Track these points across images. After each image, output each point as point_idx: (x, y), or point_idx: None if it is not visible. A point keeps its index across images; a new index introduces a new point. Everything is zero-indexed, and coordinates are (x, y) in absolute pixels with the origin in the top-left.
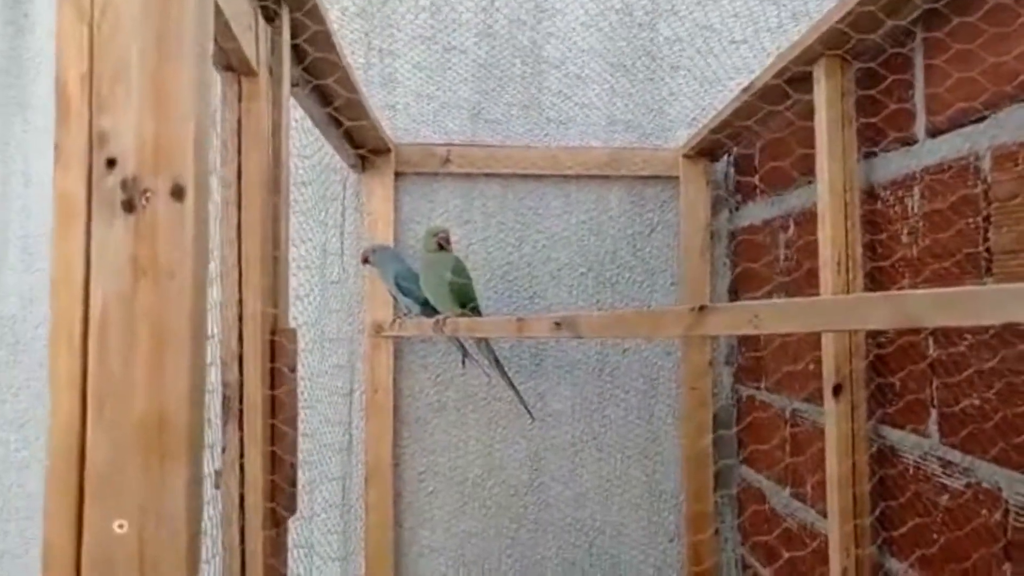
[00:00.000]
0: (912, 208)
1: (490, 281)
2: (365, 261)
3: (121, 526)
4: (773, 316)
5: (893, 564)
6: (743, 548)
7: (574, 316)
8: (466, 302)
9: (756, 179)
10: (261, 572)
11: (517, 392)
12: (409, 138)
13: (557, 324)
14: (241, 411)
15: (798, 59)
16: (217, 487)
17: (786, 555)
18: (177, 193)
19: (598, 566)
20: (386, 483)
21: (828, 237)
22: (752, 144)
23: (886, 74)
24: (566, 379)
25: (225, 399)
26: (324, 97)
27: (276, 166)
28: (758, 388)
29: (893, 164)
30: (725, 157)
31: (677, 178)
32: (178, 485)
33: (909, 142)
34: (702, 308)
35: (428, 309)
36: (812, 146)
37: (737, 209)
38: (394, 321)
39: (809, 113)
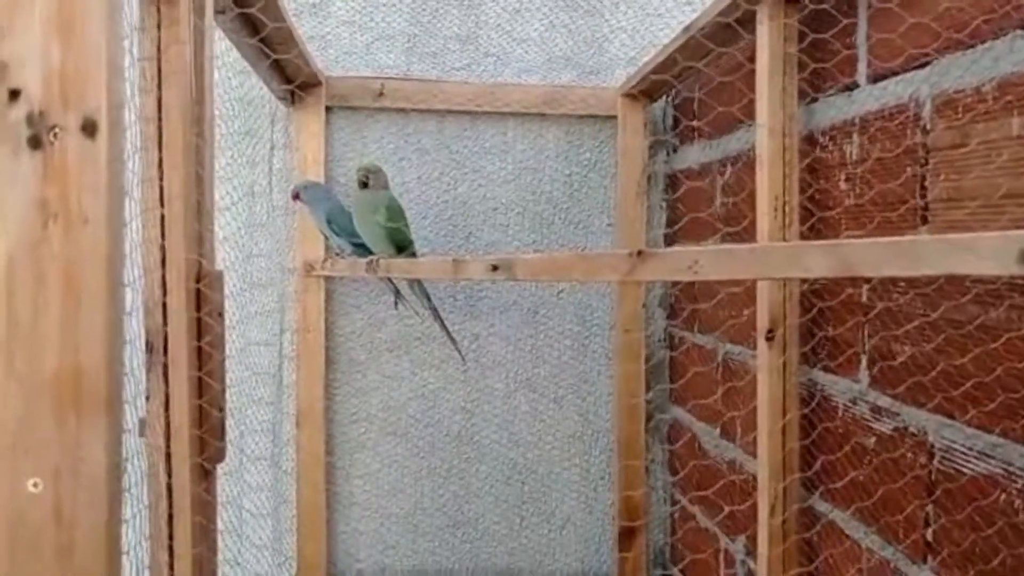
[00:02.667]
0: (851, 155)
1: (424, 219)
2: (296, 198)
3: (36, 484)
4: (712, 263)
5: (819, 503)
6: (673, 488)
7: (510, 259)
8: (402, 244)
9: (695, 122)
10: (189, 528)
11: (450, 335)
12: (341, 71)
13: (494, 267)
14: (166, 359)
15: (738, 3)
16: (142, 436)
17: (714, 491)
18: (89, 129)
19: (531, 506)
20: (317, 426)
21: (766, 182)
22: (692, 86)
23: (831, 16)
24: (500, 321)
25: (148, 345)
26: (250, 26)
27: (199, 100)
28: (690, 329)
29: (833, 109)
30: (664, 98)
31: (615, 118)
32: (96, 441)
33: (850, 88)
34: (640, 253)
35: (361, 249)
36: (749, 90)
37: (675, 151)
38: (325, 260)
39: (752, 55)
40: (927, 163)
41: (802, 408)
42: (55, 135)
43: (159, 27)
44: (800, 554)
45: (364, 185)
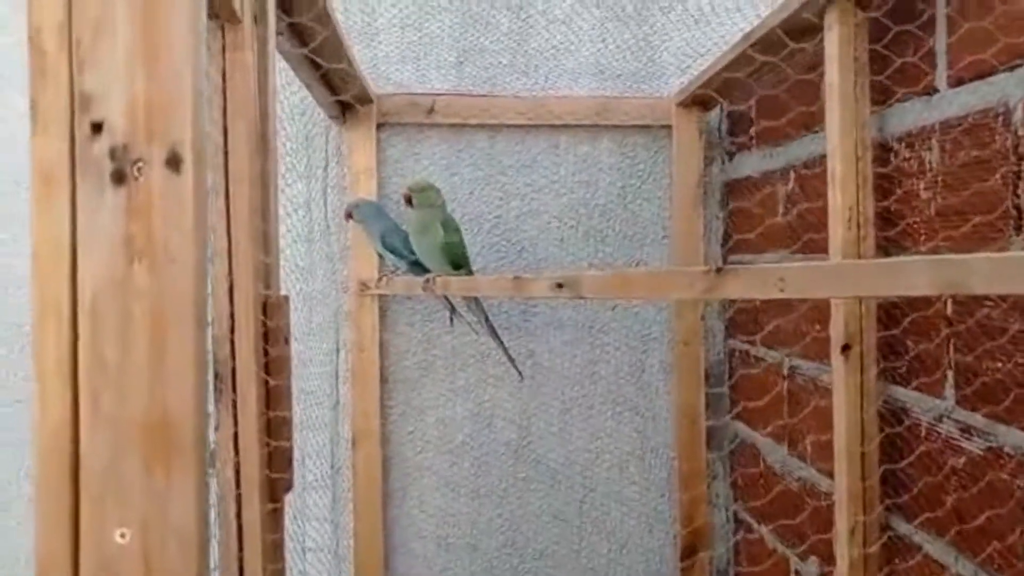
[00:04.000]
0: (931, 163)
1: (477, 235)
2: (348, 217)
3: (123, 535)
4: (800, 280)
5: (902, 526)
6: (736, 505)
7: (576, 276)
8: (458, 261)
9: (752, 130)
10: (260, 549)
11: (506, 351)
12: (391, 88)
13: (559, 285)
14: (234, 391)
15: (808, 5)
16: (211, 467)
17: (782, 510)
18: (173, 163)
19: (588, 523)
20: (373, 445)
21: (838, 193)
22: (749, 93)
23: (905, 20)
24: (556, 337)
25: (217, 376)
26: (304, 44)
27: (263, 124)
28: (752, 344)
29: (909, 115)
30: (719, 106)
31: (669, 127)
32: (185, 489)
33: (929, 92)
34: (719, 270)
35: (416, 267)
36: (811, 99)
37: (731, 160)
38: (380, 279)
39: (811, 65)
40: (1020, 170)
41: (882, 426)
42: (139, 169)
43: (224, 50)
44: None
45: (409, 202)
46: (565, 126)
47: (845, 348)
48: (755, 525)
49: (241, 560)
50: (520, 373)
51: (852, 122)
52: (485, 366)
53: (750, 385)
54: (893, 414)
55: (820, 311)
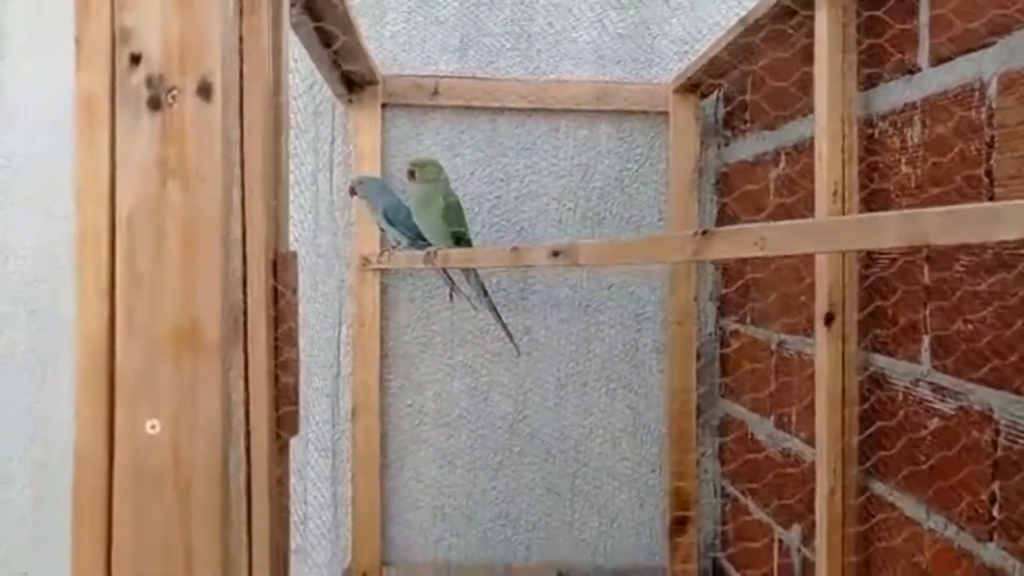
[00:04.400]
0: (912, 138)
1: (478, 215)
2: (353, 192)
3: (153, 427)
4: (779, 237)
5: (879, 487)
6: (724, 480)
7: (572, 244)
8: (459, 235)
9: (746, 115)
10: (266, 491)
11: (504, 326)
12: (397, 69)
13: (555, 252)
14: (246, 332)
15: None
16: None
17: (767, 481)
18: (204, 91)
19: (580, 497)
20: (372, 419)
21: (824, 168)
22: (743, 79)
23: (889, 2)
24: (552, 314)
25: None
26: (315, 19)
27: (277, 87)
28: (742, 322)
29: (893, 94)
30: (715, 92)
31: (666, 113)
32: (211, 386)
33: (912, 71)
34: (705, 232)
35: (418, 242)
36: (805, 83)
37: (726, 145)
38: (382, 253)
39: (803, 48)
40: (993, 142)
41: (861, 392)
42: (173, 97)
43: (240, 13)
44: (860, 539)
45: (412, 176)
46: (565, 110)
47: (829, 318)
48: (742, 498)
49: (249, 490)
50: (517, 348)
51: (839, 100)
52: (483, 342)
53: (740, 363)
54: (872, 380)
55: (808, 288)
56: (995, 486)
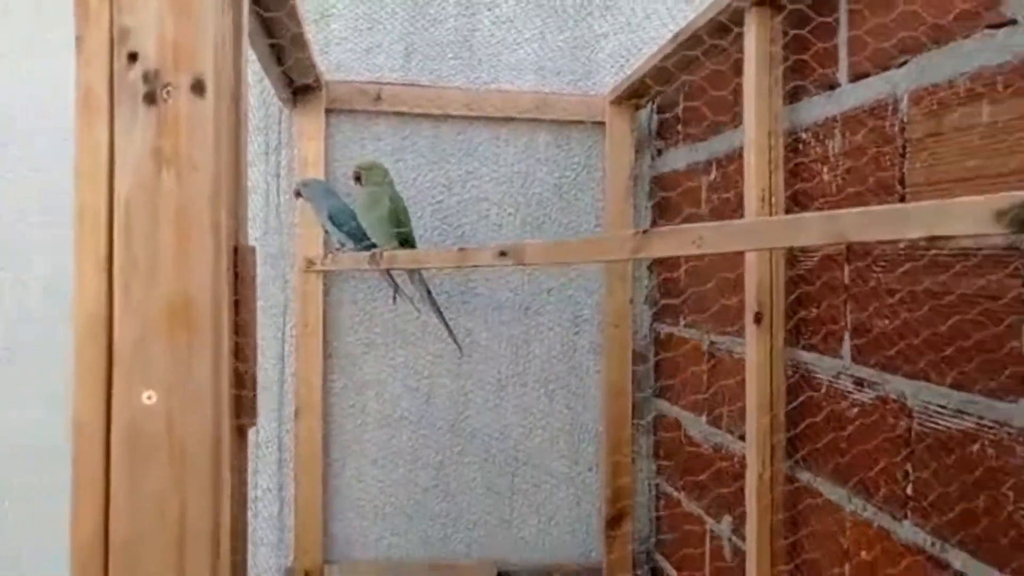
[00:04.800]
0: (833, 149)
1: (420, 219)
2: (297, 195)
3: (150, 397)
4: (715, 237)
5: (806, 475)
6: (658, 477)
7: (518, 244)
8: (404, 237)
9: (679, 126)
10: (228, 477)
11: (448, 327)
12: (341, 75)
13: (502, 252)
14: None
15: (728, 8)
16: None
17: (700, 477)
18: (198, 88)
19: (519, 495)
20: (316, 419)
21: (753, 177)
22: (677, 92)
23: (812, 21)
24: (493, 317)
25: None
26: (265, 26)
27: (236, 81)
28: (675, 325)
29: (816, 108)
30: (649, 104)
31: (603, 124)
32: (203, 359)
33: (832, 87)
34: (645, 232)
35: (363, 243)
36: (735, 95)
37: (660, 155)
38: (326, 255)
39: (734, 62)
40: (905, 152)
41: (789, 386)
42: (168, 93)
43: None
44: (787, 525)
45: (358, 179)
46: (506, 119)
47: (757, 317)
48: (675, 493)
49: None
50: (460, 349)
51: (766, 115)
52: (425, 343)
53: (674, 364)
54: (798, 374)
55: (737, 290)
56: (909, 468)
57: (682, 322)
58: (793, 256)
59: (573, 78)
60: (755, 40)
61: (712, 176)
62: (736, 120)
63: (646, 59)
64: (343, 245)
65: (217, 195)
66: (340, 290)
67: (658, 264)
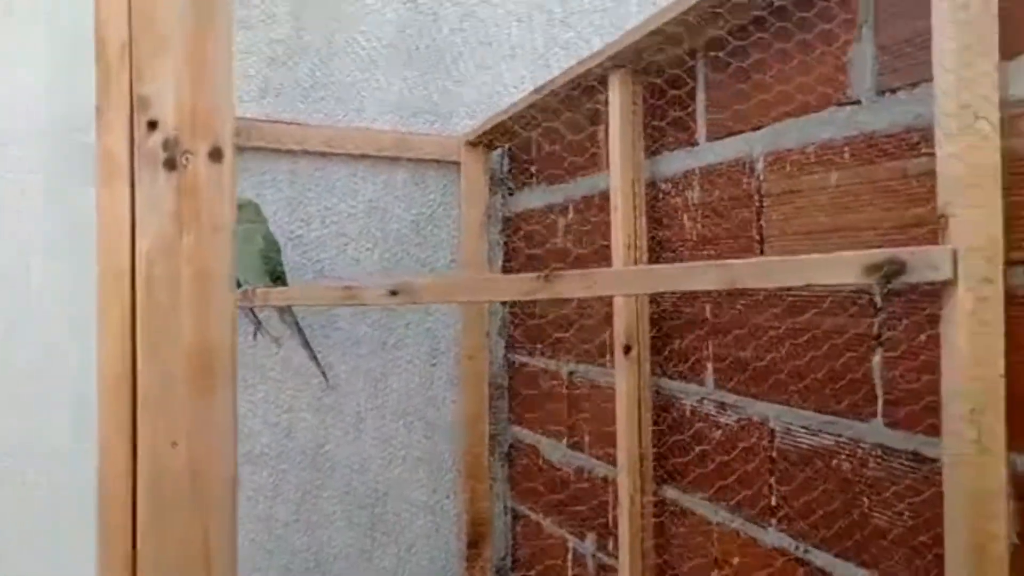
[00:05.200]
0: (692, 200)
1: (280, 254)
2: None
3: (174, 444)
4: (607, 281)
5: (675, 493)
6: (515, 501)
7: (411, 282)
8: (277, 274)
9: (532, 168)
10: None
11: (315, 358)
12: None
13: (393, 292)
14: None
15: (591, 72)
16: None
17: (561, 500)
18: (215, 155)
19: (380, 525)
20: None
21: (619, 224)
22: (528, 138)
23: (675, 85)
24: (352, 351)
25: None
26: None
27: None
28: (531, 355)
29: (676, 162)
30: (500, 148)
31: (459, 163)
32: (223, 406)
33: (692, 144)
34: (547, 277)
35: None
36: (592, 141)
37: (511, 195)
38: None
39: (593, 112)
40: (761, 206)
41: (656, 411)
42: (187, 159)
43: None
44: (658, 540)
45: (245, 214)
46: (364, 156)
47: (627, 349)
48: (533, 515)
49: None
50: (327, 380)
51: (630, 166)
52: (285, 378)
53: (529, 392)
54: (665, 400)
55: (596, 323)
56: (772, 481)
57: (539, 352)
58: (655, 296)
59: (430, 119)
60: (618, 98)
61: (569, 217)
62: (595, 165)
63: (500, 111)
64: None
65: (229, 253)
66: None
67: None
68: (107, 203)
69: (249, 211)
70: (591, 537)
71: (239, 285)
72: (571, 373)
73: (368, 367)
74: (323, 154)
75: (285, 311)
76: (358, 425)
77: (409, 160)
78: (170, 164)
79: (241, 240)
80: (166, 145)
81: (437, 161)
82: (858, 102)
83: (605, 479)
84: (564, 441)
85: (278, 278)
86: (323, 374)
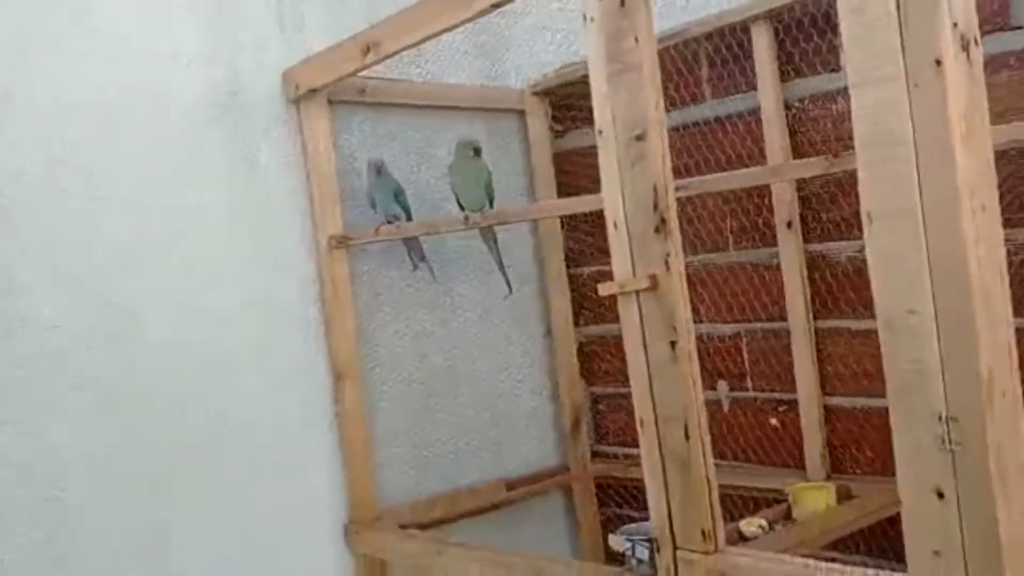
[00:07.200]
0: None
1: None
2: (378, 171)
3: None
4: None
5: (829, 323)
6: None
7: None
8: (492, 200)
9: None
10: None
11: (504, 271)
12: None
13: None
14: None
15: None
16: None
17: None
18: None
19: (502, 421)
20: (355, 384)
21: (775, 133)
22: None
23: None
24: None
25: None
26: None
27: None
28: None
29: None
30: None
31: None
32: None
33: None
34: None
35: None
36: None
37: (559, 137)
38: (378, 228)
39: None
40: None
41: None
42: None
43: None
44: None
45: (478, 153)
46: (450, 108)
47: (789, 224)
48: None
49: None
50: (510, 289)
51: (775, 93)
52: (421, 304)
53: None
54: (817, 258)
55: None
56: None
57: None
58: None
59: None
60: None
61: None
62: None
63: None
64: (397, 219)
65: None
66: (360, 263)
67: None
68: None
69: (475, 149)
70: (723, 384)
71: (462, 209)
72: None
73: (483, 290)
74: (421, 107)
75: (488, 232)
76: (478, 339)
77: (484, 110)
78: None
79: (472, 173)
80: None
81: (507, 110)
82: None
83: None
84: None
85: (491, 203)
86: (507, 283)
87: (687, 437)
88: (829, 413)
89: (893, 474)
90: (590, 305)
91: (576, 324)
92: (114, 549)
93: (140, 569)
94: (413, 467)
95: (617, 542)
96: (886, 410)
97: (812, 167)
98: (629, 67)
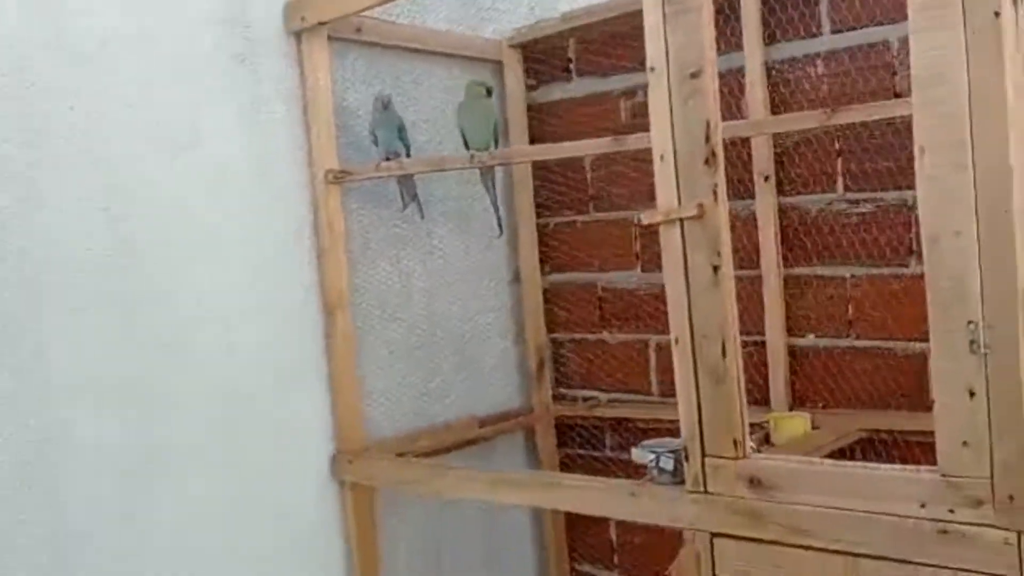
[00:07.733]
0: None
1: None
2: (385, 107)
3: None
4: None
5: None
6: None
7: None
8: (497, 140)
9: (570, 66)
10: None
11: (497, 210)
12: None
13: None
14: None
15: None
16: None
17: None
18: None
19: (467, 361)
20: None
21: (756, 94)
22: (567, 42)
23: None
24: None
25: None
26: None
27: None
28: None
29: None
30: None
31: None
32: None
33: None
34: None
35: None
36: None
37: (534, 89)
38: (379, 164)
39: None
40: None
41: (784, 221)
42: None
43: None
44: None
45: (489, 94)
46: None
47: (766, 178)
48: (599, 336)
49: None
50: (501, 229)
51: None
52: (409, 246)
53: (577, 243)
54: (790, 209)
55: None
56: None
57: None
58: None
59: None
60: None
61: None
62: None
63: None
64: (398, 155)
65: None
66: (353, 198)
67: None
68: None
69: (487, 89)
70: None
71: (467, 148)
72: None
73: (461, 235)
74: (411, 50)
75: (489, 172)
76: (453, 283)
77: (463, 57)
78: None
79: (481, 113)
80: None
81: (486, 60)
82: None
83: None
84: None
85: (497, 142)
86: (499, 223)
87: (723, 354)
88: (793, 352)
89: (852, 407)
90: (555, 254)
91: (542, 272)
92: (100, 472)
93: (123, 491)
94: (393, 403)
95: (640, 455)
96: (847, 349)
97: (807, 120)
98: (688, 9)
